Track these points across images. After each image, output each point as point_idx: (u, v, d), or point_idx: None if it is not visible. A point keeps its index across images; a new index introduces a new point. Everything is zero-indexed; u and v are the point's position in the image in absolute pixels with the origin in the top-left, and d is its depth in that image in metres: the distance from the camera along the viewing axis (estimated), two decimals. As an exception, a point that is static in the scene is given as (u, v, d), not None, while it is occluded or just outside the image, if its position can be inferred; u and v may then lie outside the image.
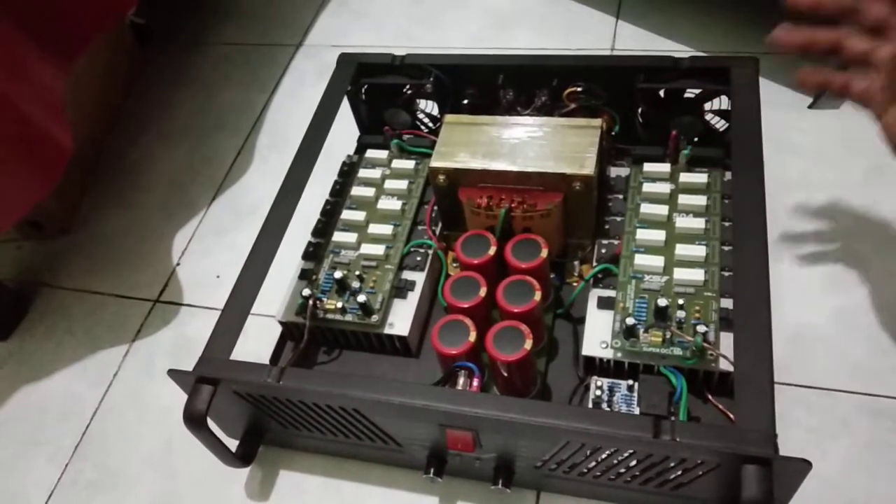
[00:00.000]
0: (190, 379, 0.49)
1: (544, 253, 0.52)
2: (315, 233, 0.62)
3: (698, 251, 0.53)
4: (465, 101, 0.64)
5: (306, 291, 0.56)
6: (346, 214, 0.62)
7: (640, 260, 0.53)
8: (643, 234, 0.55)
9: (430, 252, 0.59)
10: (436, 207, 0.60)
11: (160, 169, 0.85)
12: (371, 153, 0.67)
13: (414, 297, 0.57)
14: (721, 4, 0.82)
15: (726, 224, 0.54)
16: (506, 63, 0.64)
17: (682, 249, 0.53)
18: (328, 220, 0.62)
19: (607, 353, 0.50)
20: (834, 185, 0.63)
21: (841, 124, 0.68)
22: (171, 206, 0.80)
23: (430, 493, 0.54)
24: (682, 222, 0.55)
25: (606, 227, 0.57)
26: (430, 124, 0.69)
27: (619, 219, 0.57)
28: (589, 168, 0.52)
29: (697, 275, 0.51)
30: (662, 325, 0.50)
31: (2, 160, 0.60)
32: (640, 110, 0.61)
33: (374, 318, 0.55)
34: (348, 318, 0.55)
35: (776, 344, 0.43)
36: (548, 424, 0.42)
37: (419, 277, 0.58)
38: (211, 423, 0.50)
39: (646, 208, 0.56)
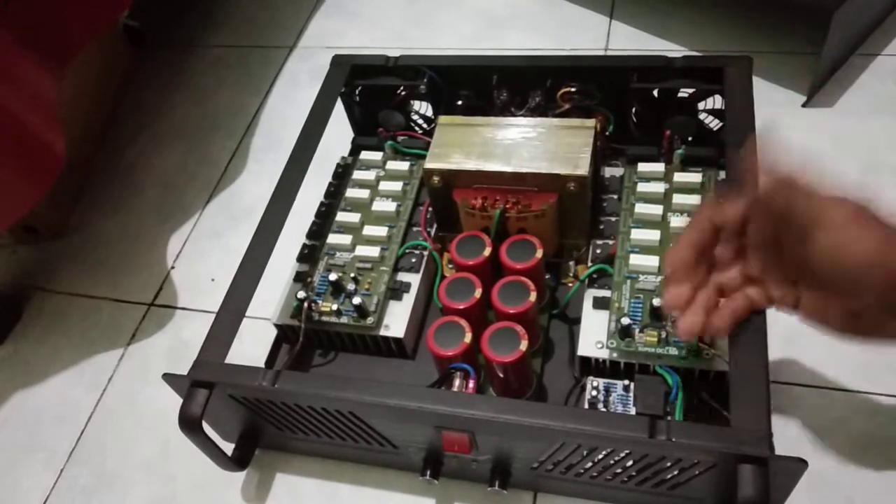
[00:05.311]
0: (185, 383, 0.48)
1: (539, 253, 0.52)
2: (310, 235, 0.61)
3: (693, 251, 0.53)
4: (459, 102, 0.64)
5: (301, 294, 0.56)
6: (341, 216, 0.62)
7: (635, 260, 0.53)
8: (638, 234, 0.55)
9: (426, 253, 0.59)
10: (430, 209, 0.60)
11: (154, 172, 0.85)
12: (365, 155, 0.66)
13: (409, 299, 0.56)
14: (714, 4, 0.83)
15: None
16: (499, 64, 0.64)
17: (676, 249, 0.53)
18: (323, 221, 0.62)
19: (603, 354, 0.50)
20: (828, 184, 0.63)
21: (834, 123, 0.68)
22: (166, 210, 0.80)
23: (427, 494, 0.54)
24: (677, 222, 0.55)
25: (601, 227, 0.57)
26: (425, 125, 0.69)
27: (613, 219, 0.57)
28: (583, 168, 0.52)
29: (692, 274, 0.51)
30: (658, 324, 0.50)
31: (-5, 165, 0.60)
32: (633, 110, 0.61)
33: (370, 319, 0.55)
34: (344, 320, 0.55)
35: (771, 343, 0.43)
36: (544, 425, 0.42)
37: (414, 279, 0.57)
38: (206, 427, 0.50)
39: (640, 208, 0.56)
